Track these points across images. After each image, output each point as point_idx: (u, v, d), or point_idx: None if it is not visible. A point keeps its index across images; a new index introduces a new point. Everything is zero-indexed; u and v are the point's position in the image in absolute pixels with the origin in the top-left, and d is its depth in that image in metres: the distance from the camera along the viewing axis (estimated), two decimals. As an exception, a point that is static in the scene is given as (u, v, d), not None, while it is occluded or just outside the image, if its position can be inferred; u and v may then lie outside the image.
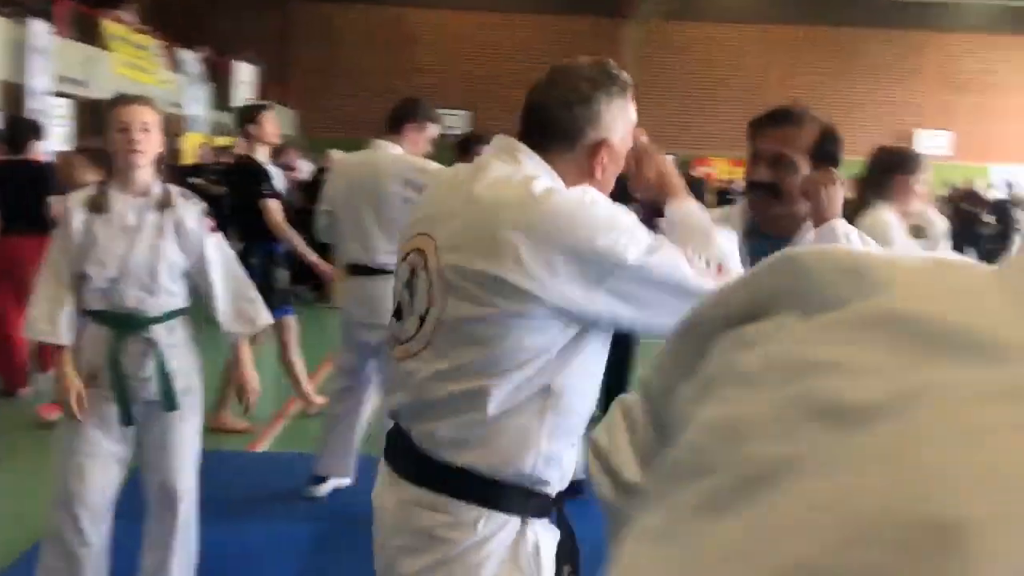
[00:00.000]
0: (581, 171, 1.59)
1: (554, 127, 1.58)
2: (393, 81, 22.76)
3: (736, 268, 1.56)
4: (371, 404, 4.28)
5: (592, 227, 1.45)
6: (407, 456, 1.61)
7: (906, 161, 3.27)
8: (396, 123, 4.07)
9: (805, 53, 22.94)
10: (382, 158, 3.97)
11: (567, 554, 1.62)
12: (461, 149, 4.66)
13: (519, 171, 1.54)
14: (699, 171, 15.66)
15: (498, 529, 1.54)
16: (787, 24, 22.96)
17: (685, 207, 1.67)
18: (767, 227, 1.99)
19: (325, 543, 3.80)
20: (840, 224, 1.87)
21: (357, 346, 4.11)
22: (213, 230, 3.04)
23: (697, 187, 11.76)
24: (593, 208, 1.48)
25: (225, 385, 4.81)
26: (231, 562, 3.49)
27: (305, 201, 10.66)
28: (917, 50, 23.29)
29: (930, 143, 20.94)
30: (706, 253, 1.54)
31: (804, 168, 1.93)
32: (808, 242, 1.92)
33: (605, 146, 1.58)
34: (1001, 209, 12.59)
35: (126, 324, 2.86)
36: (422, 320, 1.53)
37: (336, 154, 4.26)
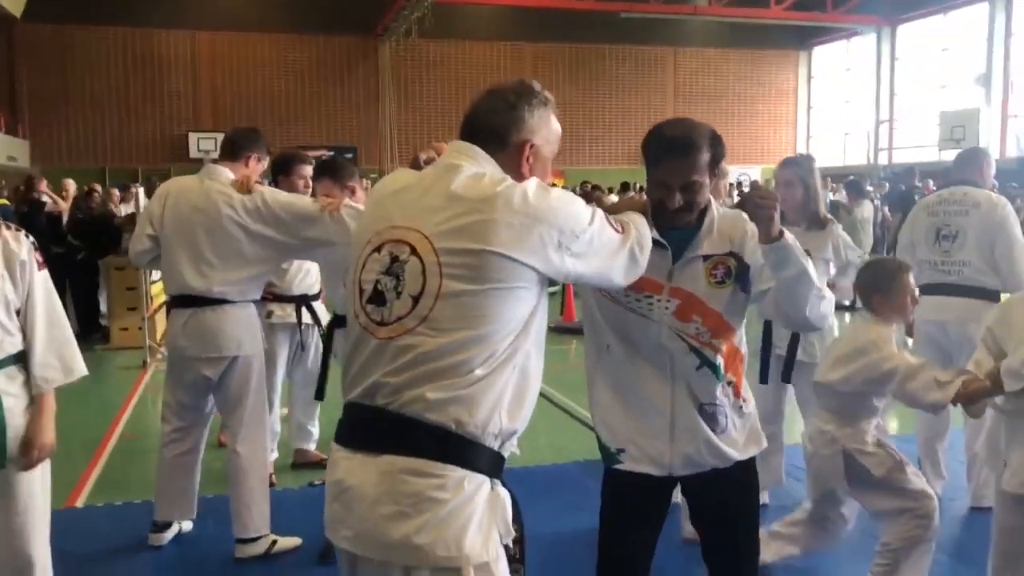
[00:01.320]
0: (512, 168, 1.87)
1: (485, 131, 1.89)
2: (141, 106, 21.58)
3: (644, 233, 2.02)
4: (205, 441, 4.07)
5: (559, 207, 1.81)
6: (389, 430, 1.73)
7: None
8: (237, 151, 3.90)
9: (552, 70, 24.10)
10: (220, 184, 3.76)
11: (517, 513, 1.85)
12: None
13: (485, 170, 1.83)
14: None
15: (478, 488, 1.75)
16: (533, 42, 24.08)
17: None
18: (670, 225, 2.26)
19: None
20: (791, 237, 2.14)
21: (193, 383, 3.86)
22: (41, 266, 2.77)
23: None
24: (555, 193, 1.82)
25: None
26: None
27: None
28: (657, 65, 25.20)
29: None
30: (619, 219, 1.99)
31: (707, 182, 2.23)
32: (754, 251, 2.23)
33: (530, 147, 1.89)
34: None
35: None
36: (415, 300, 1.73)
37: (172, 181, 3.99)
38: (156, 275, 8.93)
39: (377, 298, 1.78)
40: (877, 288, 3.16)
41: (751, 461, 2.41)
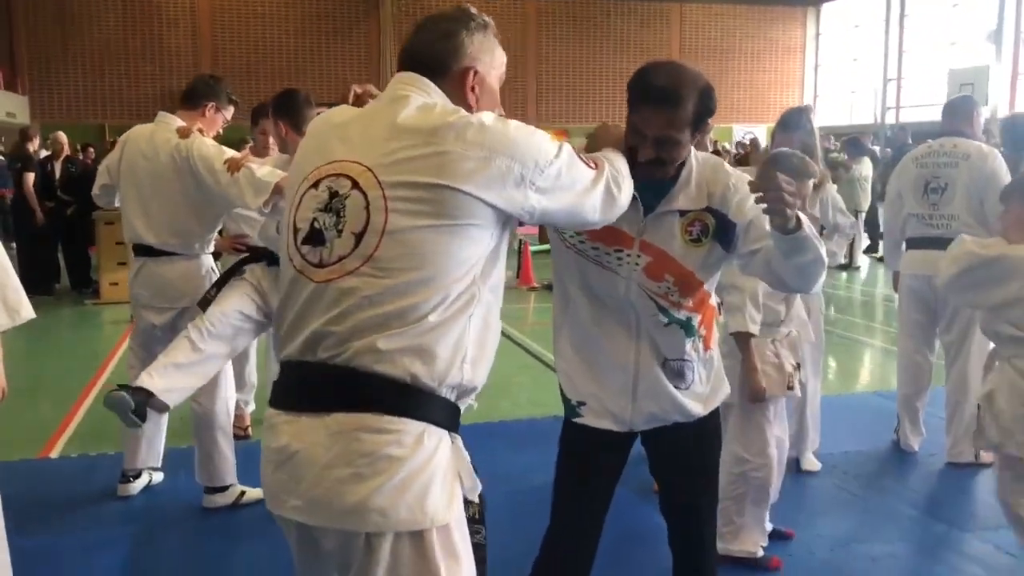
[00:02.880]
0: (458, 98, 1.72)
1: (425, 60, 1.73)
2: (140, 61, 21.42)
3: (621, 168, 1.88)
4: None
5: (518, 138, 1.64)
6: (336, 386, 1.57)
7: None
8: (195, 100, 3.85)
9: (556, 24, 23.77)
10: (167, 132, 3.71)
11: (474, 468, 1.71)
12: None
13: (434, 100, 1.69)
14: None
15: (438, 442, 1.60)
16: (537, -1, 23.72)
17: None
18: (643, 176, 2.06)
19: (145, 541, 3.54)
20: (807, 224, 1.92)
21: (144, 330, 3.88)
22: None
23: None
24: (513, 124, 1.66)
25: None
26: (46, 568, 3.18)
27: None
28: (662, 20, 24.84)
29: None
30: (592, 156, 1.84)
31: (687, 139, 2.04)
32: (741, 208, 2.05)
33: (473, 74, 1.74)
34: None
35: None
36: (358, 237, 1.57)
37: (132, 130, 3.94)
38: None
39: (315, 237, 1.62)
40: None
41: (713, 415, 2.34)
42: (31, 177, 9.53)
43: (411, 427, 1.56)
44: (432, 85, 1.71)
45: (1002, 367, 2.79)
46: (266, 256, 3.77)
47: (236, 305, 3.61)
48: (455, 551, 1.60)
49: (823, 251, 1.98)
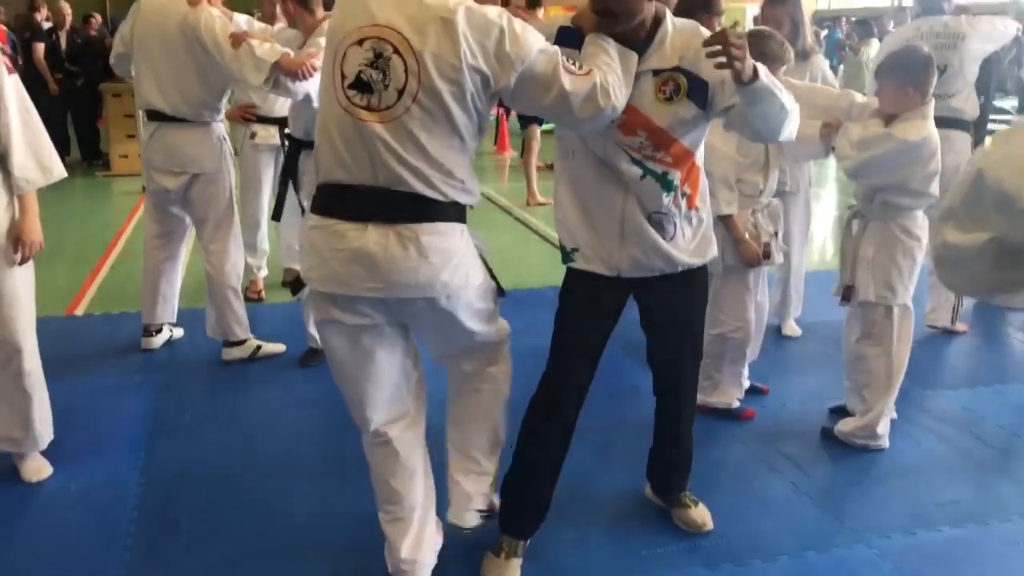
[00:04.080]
0: None
1: None
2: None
3: (614, 82, 2.17)
4: (186, 251, 4.30)
5: (519, 29, 2.09)
6: (401, 204, 2.11)
7: (712, 2, 3.61)
8: None
9: None
10: (178, 5, 3.78)
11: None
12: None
13: None
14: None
15: (465, 233, 2.24)
16: None
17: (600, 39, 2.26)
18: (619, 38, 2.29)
19: (169, 389, 3.83)
20: (764, 72, 2.12)
21: (156, 192, 4.04)
22: (11, 71, 2.86)
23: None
24: (516, 20, 2.09)
25: None
26: (80, 415, 3.47)
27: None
28: None
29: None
30: (588, 61, 2.19)
31: None
32: (712, 67, 2.16)
33: None
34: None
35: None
36: (400, 93, 2.03)
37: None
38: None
39: (362, 86, 2.05)
40: None
41: (701, 271, 2.52)
42: (41, 47, 9.50)
43: (455, 228, 2.18)
44: None
45: (885, 228, 3.21)
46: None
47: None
48: (487, 297, 2.34)
49: (786, 100, 2.18)
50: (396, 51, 2.02)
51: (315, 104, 3.60)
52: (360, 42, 2.05)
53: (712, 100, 2.26)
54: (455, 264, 2.17)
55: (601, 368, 2.54)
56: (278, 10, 4.42)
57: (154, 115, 3.93)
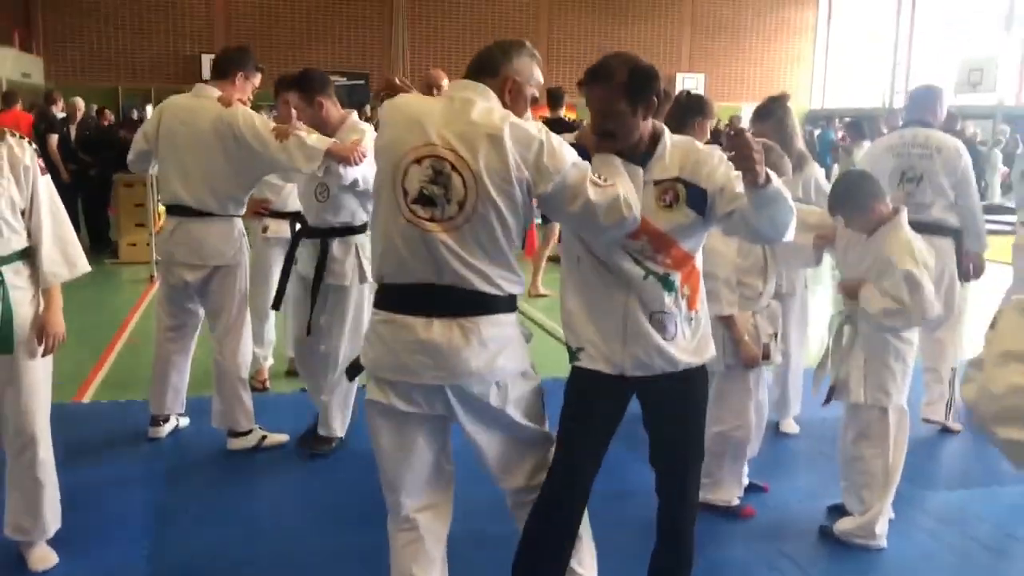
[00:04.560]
0: (497, 95, 2.38)
1: (484, 66, 2.43)
2: (154, 24, 21.55)
3: (631, 195, 2.37)
4: (195, 343, 4.39)
5: (556, 144, 2.32)
6: (462, 300, 2.34)
7: (705, 106, 3.82)
8: (225, 70, 4.13)
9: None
10: (206, 101, 3.99)
11: None
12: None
13: (492, 104, 2.35)
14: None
15: (515, 322, 2.47)
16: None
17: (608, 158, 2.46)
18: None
19: (175, 478, 3.88)
20: (776, 180, 2.27)
21: (175, 286, 4.16)
22: (44, 171, 3.01)
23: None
24: (551, 134, 2.34)
25: None
26: (87, 503, 3.51)
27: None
28: (674, -3, 24.83)
29: (689, 84, 22.56)
30: (607, 176, 2.39)
31: (626, 110, 2.39)
32: (711, 176, 2.42)
33: (512, 81, 2.41)
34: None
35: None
36: (461, 205, 2.28)
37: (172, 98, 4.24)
38: (164, 192, 9.22)
39: (426, 200, 2.29)
40: None
41: (701, 371, 2.61)
42: (55, 139, 9.81)
43: (510, 318, 2.42)
44: (487, 89, 2.36)
45: (876, 332, 3.33)
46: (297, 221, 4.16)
47: (304, 318, 4.22)
48: (531, 383, 2.52)
49: (791, 202, 2.33)
50: (454, 168, 2.26)
51: (361, 187, 3.85)
52: (419, 160, 2.29)
53: (711, 207, 2.41)
54: (510, 350, 2.40)
55: (602, 466, 2.60)
56: (293, 112, 4.61)
57: (177, 209, 4.06)
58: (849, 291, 3.34)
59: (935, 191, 4.56)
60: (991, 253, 4.85)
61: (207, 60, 21.34)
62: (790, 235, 2.45)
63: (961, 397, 1.47)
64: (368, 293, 4.15)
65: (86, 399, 4.96)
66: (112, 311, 7.19)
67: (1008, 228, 9.41)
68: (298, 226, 4.98)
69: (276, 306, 4.31)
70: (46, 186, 2.99)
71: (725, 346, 3.39)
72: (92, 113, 12.17)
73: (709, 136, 4.01)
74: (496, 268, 2.34)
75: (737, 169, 2.25)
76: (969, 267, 4.72)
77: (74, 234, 3.10)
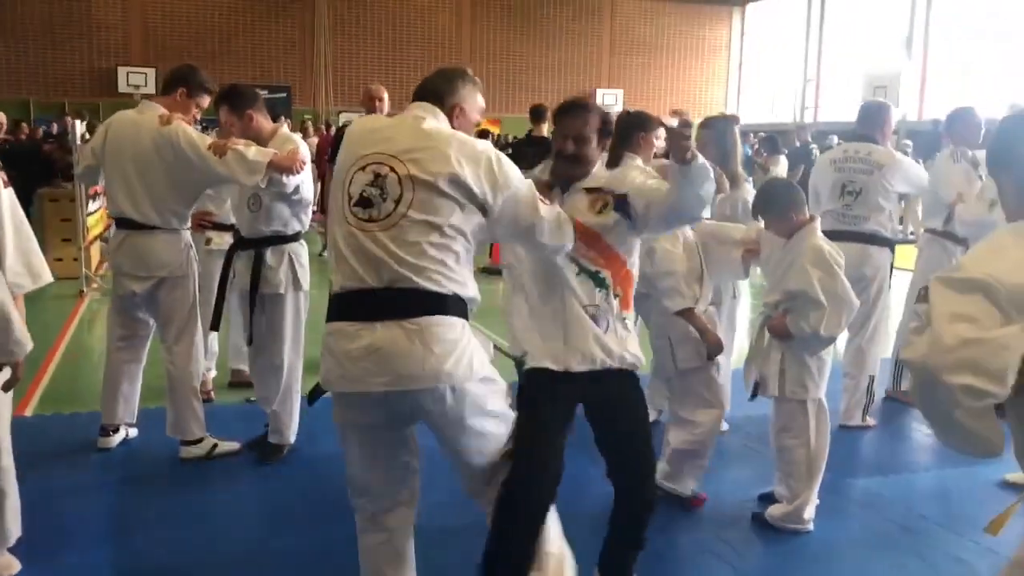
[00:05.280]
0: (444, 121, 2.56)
1: (431, 94, 2.59)
2: (67, 36, 21.05)
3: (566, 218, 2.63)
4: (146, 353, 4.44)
5: (505, 161, 2.51)
6: (407, 301, 2.36)
7: (647, 121, 4.04)
8: (169, 87, 4.23)
9: (490, 13, 24.11)
10: (149, 119, 4.08)
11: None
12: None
13: (440, 124, 2.52)
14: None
15: (467, 328, 2.46)
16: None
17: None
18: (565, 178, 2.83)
19: (131, 486, 3.93)
20: (701, 157, 2.53)
21: (124, 296, 4.23)
22: (7, 184, 3.07)
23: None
24: (497, 151, 2.53)
25: None
26: (44, 513, 3.53)
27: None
28: (594, 14, 25.39)
29: (607, 100, 23.12)
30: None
31: (595, 142, 2.77)
32: (623, 179, 2.76)
33: (459, 108, 2.59)
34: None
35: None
36: (397, 203, 2.37)
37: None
38: (92, 206, 9.10)
39: (364, 203, 2.39)
40: None
41: (635, 378, 2.80)
42: (-29, 152, 9.58)
43: (458, 322, 2.41)
44: (436, 111, 2.53)
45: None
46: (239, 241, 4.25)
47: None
48: (491, 387, 2.51)
49: (711, 173, 2.59)
50: (392, 169, 2.38)
51: (299, 195, 4.00)
52: (363, 168, 2.42)
53: (633, 207, 2.70)
54: (458, 354, 2.38)
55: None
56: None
57: (124, 223, 4.15)
58: (777, 330, 3.59)
59: (872, 206, 4.83)
60: (899, 261, 5.20)
61: (124, 73, 21.01)
62: (706, 212, 2.75)
63: (904, 359, 1.68)
64: (305, 301, 4.30)
65: (28, 412, 4.93)
66: (43, 327, 7.06)
67: (912, 239, 10.00)
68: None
69: (215, 327, 4.38)
70: (8, 198, 3.04)
71: (676, 348, 3.62)
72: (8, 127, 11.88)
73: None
74: (439, 267, 2.37)
75: (669, 148, 2.58)
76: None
77: (37, 246, 3.15)
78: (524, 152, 7.20)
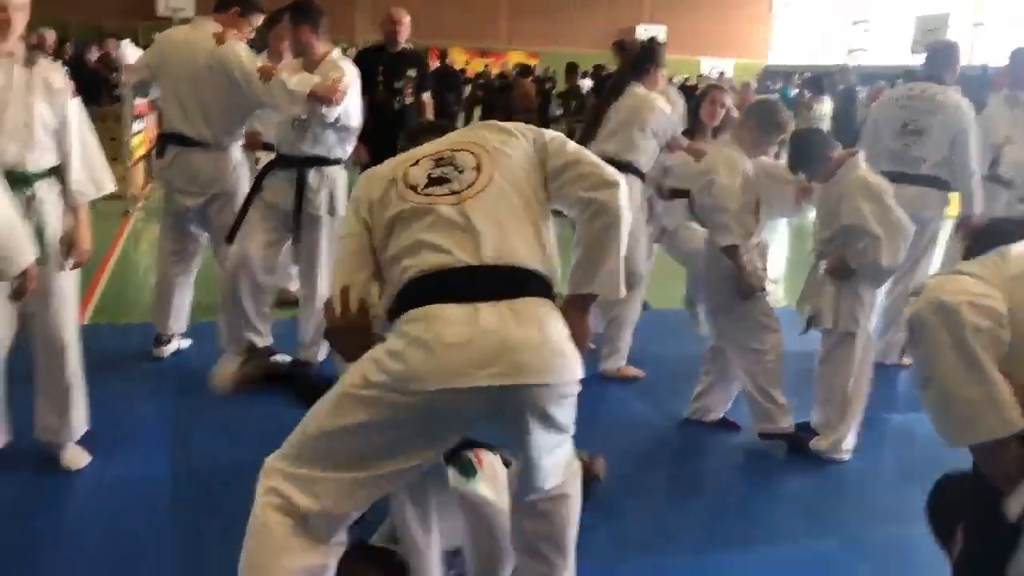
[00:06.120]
0: None
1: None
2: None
3: None
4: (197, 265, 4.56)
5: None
6: (509, 279, 1.97)
7: (657, 54, 4.02)
8: (223, 4, 4.25)
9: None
10: (202, 36, 4.13)
11: None
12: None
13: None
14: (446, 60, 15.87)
15: None
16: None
17: None
18: None
19: (186, 395, 4.06)
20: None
21: (176, 212, 4.34)
22: (75, 94, 3.15)
23: (455, 78, 12.20)
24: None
25: None
26: (105, 415, 3.64)
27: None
28: (638, -52, 24.85)
29: (648, 35, 22.75)
30: None
31: None
32: None
33: None
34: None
35: (7, 180, 2.93)
36: (478, 170, 2.09)
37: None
38: (137, 127, 9.19)
39: (439, 180, 2.08)
40: None
41: None
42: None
43: (555, 308, 2.03)
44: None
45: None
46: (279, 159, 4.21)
47: (259, 240, 4.09)
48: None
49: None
50: (454, 151, 2.15)
51: (343, 123, 3.98)
52: (416, 162, 2.16)
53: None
54: (571, 347, 1.99)
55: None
56: (284, 48, 4.67)
57: (176, 139, 4.23)
58: (835, 270, 3.59)
59: (933, 147, 4.73)
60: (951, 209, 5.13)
61: (163, -5, 20.94)
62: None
63: (906, 314, 1.75)
64: (339, 227, 4.28)
65: (85, 321, 5.08)
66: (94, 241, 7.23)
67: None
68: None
69: (230, 239, 4.21)
70: (76, 108, 3.13)
71: (727, 279, 3.66)
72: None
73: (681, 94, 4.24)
74: (534, 243, 2.05)
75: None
76: (960, 226, 4.84)
77: (101, 155, 3.25)
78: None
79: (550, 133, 2.25)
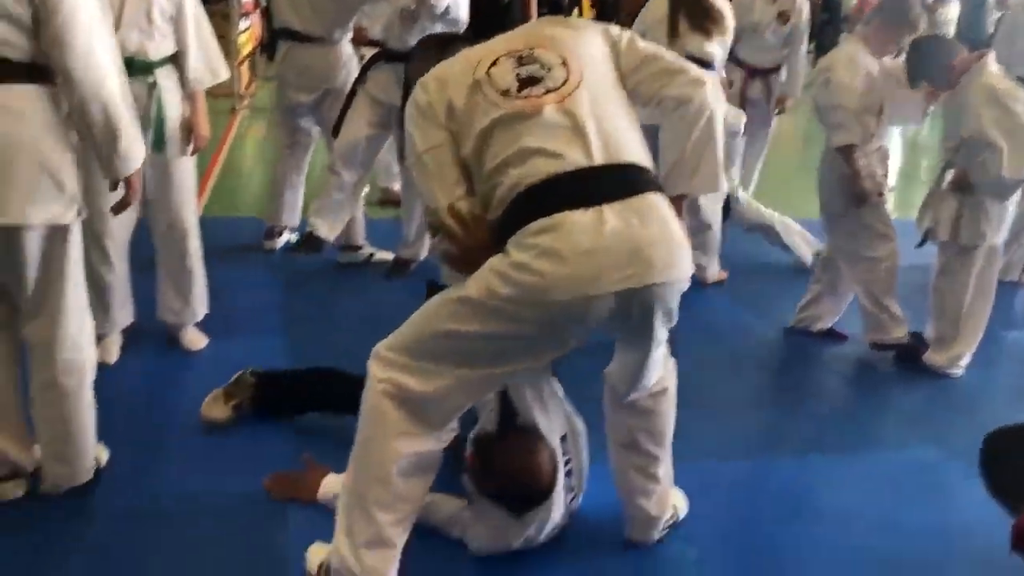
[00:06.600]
0: None
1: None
2: None
3: None
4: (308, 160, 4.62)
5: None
6: (625, 177, 1.92)
7: None
8: None
9: None
10: None
11: None
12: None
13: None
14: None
15: None
16: None
17: None
18: None
19: (296, 286, 4.21)
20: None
21: (289, 107, 4.37)
22: (189, -16, 3.17)
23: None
24: None
25: None
26: (220, 296, 3.76)
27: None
28: None
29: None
30: None
31: None
32: None
33: None
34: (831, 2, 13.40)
35: (128, 68, 3.00)
36: (566, 65, 1.98)
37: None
38: (243, 24, 9.27)
39: (530, 81, 1.95)
40: None
41: None
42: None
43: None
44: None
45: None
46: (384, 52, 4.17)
47: (361, 132, 4.09)
48: None
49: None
50: (534, 48, 2.02)
51: (451, 15, 3.92)
52: (495, 62, 2.01)
53: None
54: (687, 241, 1.96)
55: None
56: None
57: (288, 34, 4.23)
58: (959, 183, 3.41)
59: None
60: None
61: None
62: None
63: None
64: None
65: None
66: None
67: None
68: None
69: (335, 132, 4.19)
70: None
71: (842, 185, 3.53)
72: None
73: None
74: (636, 137, 1.99)
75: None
76: None
77: (216, 44, 3.30)
78: None
79: (616, 29, 2.15)
